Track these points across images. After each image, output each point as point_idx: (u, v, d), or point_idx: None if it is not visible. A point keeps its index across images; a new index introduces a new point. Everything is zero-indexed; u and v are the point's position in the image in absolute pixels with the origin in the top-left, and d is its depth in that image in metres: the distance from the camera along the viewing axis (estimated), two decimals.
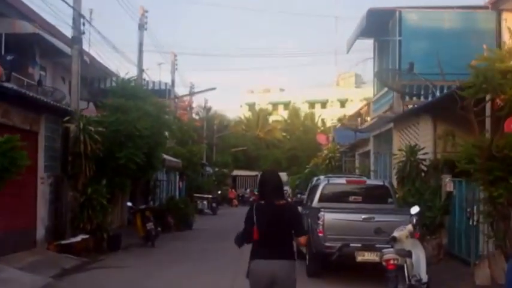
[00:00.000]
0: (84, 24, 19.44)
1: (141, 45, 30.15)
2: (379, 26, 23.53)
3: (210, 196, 44.56)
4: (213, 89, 46.75)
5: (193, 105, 55.14)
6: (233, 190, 60.79)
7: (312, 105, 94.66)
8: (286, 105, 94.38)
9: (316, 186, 16.57)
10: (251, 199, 48.91)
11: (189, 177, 41.11)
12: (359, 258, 13.57)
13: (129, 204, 23.64)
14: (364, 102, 46.30)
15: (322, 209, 14.06)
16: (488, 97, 12.20)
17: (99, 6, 26.62)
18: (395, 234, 10.76)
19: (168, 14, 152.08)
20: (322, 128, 68.68)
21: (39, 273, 13.83)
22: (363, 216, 13.69)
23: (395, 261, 10.26)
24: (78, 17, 19.10)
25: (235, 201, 57.05)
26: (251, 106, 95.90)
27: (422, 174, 18.16)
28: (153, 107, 21.93)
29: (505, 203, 11.37)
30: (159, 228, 22.40)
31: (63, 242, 17.09)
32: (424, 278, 10.37)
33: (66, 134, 18.40)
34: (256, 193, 37.82)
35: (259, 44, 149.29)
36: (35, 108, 16.51)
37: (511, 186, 11.09)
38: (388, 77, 22.78)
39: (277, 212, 6.76)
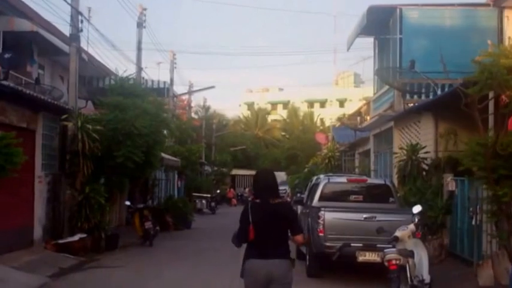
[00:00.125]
0: (82, 22, 19.26)
1: (139, 43, 30.08)
2: (379, 24, 23.40)
3: (209, 195, 44.43)
4: (212, 87, 46.62)
5: (192, 104, 55.09)
6: (232, 189, 60.65)
7: (310, 104, 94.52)
8: (285, 104, 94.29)
9: (316, 185, 16.39)
10: (250, 198, 48.77)
11: (188, 177, 41.04)
12: (360, 259, 13.40)
13: (128, 203, 23.50)
14: (363, 101, 46.20)
15: (323, 208, 13.88)
16: (491, 95, 12.05)
17: (97, 5, 26.50)
18: (397, 233, 10.65)
19: (167, 12, 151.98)
20: (321, 128, 68.53)
21: (36, 272, 13.70)
22: (364, 216, 13.51)
23: (398, 262, 10.16)
24: (76, 15, 18.93)
25: (234, 201, 56.95)
26: (250, 105, 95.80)
27: (424, 173, 18.02)
28: (152, 105, 21.76)
29: (510, 202, 11.19)
30: (158, 228, 22.29)
31: (60, 241, 16.97)
32: (427, 278, 10.25)
33: (64, 133, 18.25)
34: None
35: (257, 43, 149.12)
36: (32, 106, 16.37)
37: None
38: (389, 75, 22.61)
39: (273, 211, 6.72)
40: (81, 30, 19.25)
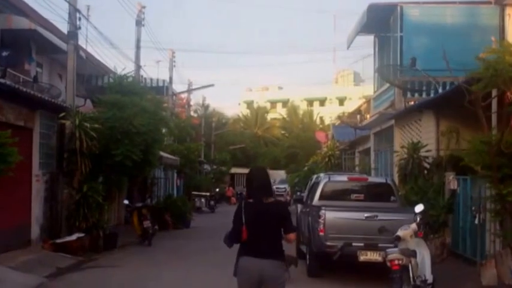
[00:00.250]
0: (80, 19, 19.18)
1: (138, 41, 29.98)
2: (380, 22, 23.26)
3: (208, 194, 44.36)
4: (211, 85, 46.31)
5: (192, 102, 54.99)
6: (231, 188, 60.52)
7: (310, 103, 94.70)
8: (285, 103, 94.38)
9: (316, 184, 16.24)
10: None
11: (187, 175, 40.93)
12: (361, 258, 13.25)
13: (126, 202, 23.39)
14: (363, 100, 46.11)
15: (324, 207, 13.72)
16: (494, 93, 11.89)
17: (96, 3, 26.41)
18: (400, 233, 10.54)
19: (166, 11, 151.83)
20: (320, 126, 68.51)
21: (33, 272, 13.56)
22: (366, 215, 13.36)
23: (400, 262, 10.03)
24: (73, 12, 18.83)
25: (234, 199, 56.80)
26: (249, 104, 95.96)
27: (425, 171, 17.89)
28: (150, 103, 21.64)
29: None
30: (156, 227, 22.17)
31: (58, 240, 16.83)
32: (429, 278, 10.14)
33: (62, 131, 18.14)
34: None
35: (257, 41, 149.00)
36: (29, 104, 16.24)
37: None
38: (390, 73, 22.46)
39: (266, 211, 6.67)
40: (79, 28, 19.19)
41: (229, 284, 7.03)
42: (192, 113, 55.42)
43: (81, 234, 17.32)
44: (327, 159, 35.37)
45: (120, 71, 24.78)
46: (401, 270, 9.98)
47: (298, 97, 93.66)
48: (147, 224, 20.91)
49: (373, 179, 17.56)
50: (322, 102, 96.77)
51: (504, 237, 11.68)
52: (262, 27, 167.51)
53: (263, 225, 6.61)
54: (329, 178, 15.87)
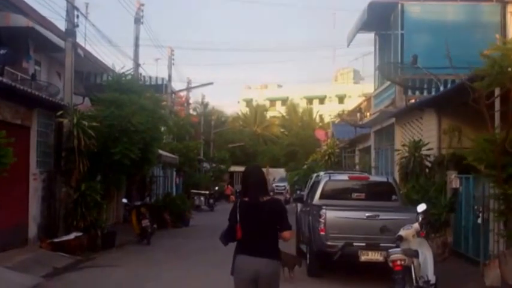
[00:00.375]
0: (78, 17, 19.07)
1: (137, 39, 29.82)
2: (380, 19, 23.13)
3: (207, 192, 44.27)
4: (210, 83, 46.34)
5: (191, 101, 54.92)
6: (229, 186, 60.39)
7: (309, 101, 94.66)
8: (284, 101, 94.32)
9: (317, 183, 16.11)
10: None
11: (186, 173, 40.87)
12: (363, 258, 13.10)
13: (125, 200, 23.28)
14: (363, 97, 45.97)
15: (324, 207, 13.56)
16: (497, 91, 11.73)
17: (95, 0, 26.26)
18: (402, 233, 10.40)
19: (164, 8, 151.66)
20: (320, 124, 68.43)
21: (30, 272, 13.43)
22: (367, 214, 13.20)
23: (403, 262, 9.87)
24: (71, 9, 18.72)
25: (233, 197, 56.64)
26: (248, 102, 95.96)
27: (427, 170, 17.77)
28: (149, 101, 21.50)
29: None
30: (155, 225, 22.04)
31: (55, 239, 16.70)
32: (432, 279, 10.00)
33: (60, 129, 18.03)
34: None
35: (256, 39, 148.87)
36: (26, 103, 16.11)
37: None
38: (391, 71, 22.32)
39: (261, 209, 6.65)
40: (77, 26, 19.10)
41: (229, 283, 6.95)
42: (191, 111, 55.36)
43: (79, 233, 17.17)
44: (326, 158, 35.31)
45: (118, 69, 24.68)
46: (404, 271, 9.83)
47: (297, 95, 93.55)
48: (145, 222, 20.78)
49: (374, 177, 17.41)
50: (321, 100, 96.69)
51: (508, 237, 11.52)
52: (261, 25, 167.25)
53: (258, 224, 6.61)
54: (330, 177, 15.73)
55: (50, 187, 17.58)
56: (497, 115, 12.43)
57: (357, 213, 13.46)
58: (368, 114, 29.01)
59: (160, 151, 26.48)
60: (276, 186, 61.38)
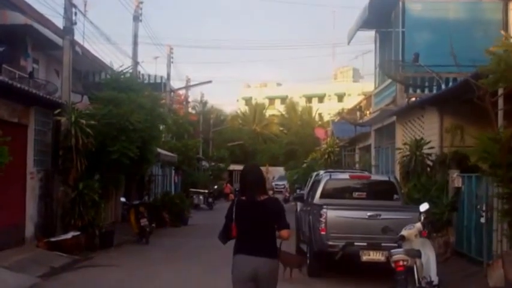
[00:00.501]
0: (76, 14, 18.92)
1: (136, 37, 29.68)
2: (381, 17, 23.00)
3: (206, 191, 44.17)
4: (209, 82, 46.32)
5: (190, 99, 54.82)
6: (228, 185, 60.30)
7: (309, 99, 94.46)
8: (283, 99, 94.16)
9: (317, 182, 15.99)
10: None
11: (185, 172, 40.79)
12: (364, 258, 12.96)
13: (123, 199, 23.14)
14: (362, 96, 45.84)
15: (325, 206, 13.40)
16: (500, 91, 11.56)
17: None
18: (404, 232, 10.28)
19: (163, 6, 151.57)
20: (319, 123, 68.29)
21: (27, 272, 13.32)
22: (369, 214, 13.06)
23: (405, 263, 9.72)
24: (69, 7, 18.58)
25: (232, 196, 56.56)
26: (248, 100, 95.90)
27: (428, 169, 17.61)
28: (147, 100, 21.36)
29: None
30: (154, 225, 21.92)
31: (53, 239, 16.57)
32: (435, 279, 9.91)
33: (57, 128, 17.89)
34: None
35: (256, 37, 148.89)
36: (24, 101, 15.99)
37: None
38: (392, 68, 22.18)
39: (258, 208, 6.64)
40: (75, 23, 18.98)
41: (229, 283, 6.83)
42: (190, 110, 55.25)
43: (77, 233, 17.05)
44: (326, 156, 35.15)
45: (116, 67, 24.57)
46: (406, 272, 9.68)
47: (296, 93, 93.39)
48: (144, 221, 20.68)
49: (375, 176, 17.28)
50: (321, 98, 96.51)
51: None
52: (260, 23, 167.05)
53: (256, 223, 6.60)
54: (330, 176, 15.59)
55: (47, 186, 17.44)
56: (500, 113, 12.28)
57: (358, 212, 13.31)
58: (368, 112, 28.90)
59: (159, 150, 26.40)
60: (276, 184, 61.31)
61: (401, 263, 9.69)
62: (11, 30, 18.79)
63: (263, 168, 7.68)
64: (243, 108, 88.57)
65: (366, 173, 18.49)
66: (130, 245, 19.94)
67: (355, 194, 15.00)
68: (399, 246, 10.17)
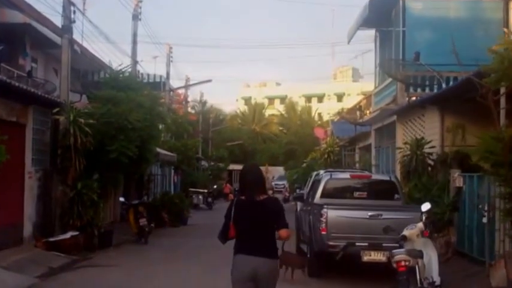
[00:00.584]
0: (74, 13, 18.81)
1: (135, 36, 29.56)
2: (381, 16, 22.94)
3: (206, 191, 44.07)
4: (209, 81, 46.02)
5: (189, 99, 54.78)
6: (228, 184, 60.24)
7: (308, 99, 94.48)
8: (283, 99, 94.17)
9: (317, 181, 15.89)
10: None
11: (184, 172, 40.72)
12: (365, 258, 12.85)
13: (122, 199, 23.04)
14: (362, 96, 45.76)
15: (326, 206, 13.29)
16: (502, 90, 11.46)
17: None
18: (405, 232, 10.20)
19: (162, 5, 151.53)
20: (319, 122, 68.26)
21: (25, 272, 13.23)
22: (370, 214, 12.95)
23: (407, 263, 9.62)
24: (68, 5, 18.50)
25: (231, 196, 56.46)
26: (247, 100, 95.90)
27: (429, 168, 17.53)
28: (146, 98, 21.25)
29: None
30: (153, 224, 21.81)
31: (51, 239, 16.48)
32: (437, 280, 9.80)
33: (56, 127, 17.78)
34: None
35: (255, 37, 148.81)
36: (22, 100, 15.89)
37: None
38: (392, 67, 22.09)
39: (258, 208, 6.61)
40: (74, 21, 18.88)
41: (228, 283, 6.77)
42: (189, 110, 55.20)
43: (75, 233, 16.95)
44: (326, 156, 35.07)
45: (115, 66, 24.48)
46: (408, 272, 9.58)
47: (296, 93, 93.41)
48: (143, 221, 20.59)
49: (376, 176, 17.20)
50: (320, 98, 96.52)
51: None
52: (260, 22, 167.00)
53: (255, 223, 6.57)
54: (331, 175, 15.49)
55: (45, 185, 17.33)
56: (502, 112, 12.19)
57: (359, 212, 13.21)
58: (368, 112, 28.80)
59: (158, 149, 26.30)
60: (275, 184, 61.27)
61: (403, 263, 9.60)
62: (9, 28, 18.73)
63: (263, 168, 7.65)
64: (243, 107, 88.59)
65: (367, 173, 18.40)
66: (129, 245, 19.84)
67: (356, 194, 14.91)
68: (401, 247, 10.09)
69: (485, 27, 20.40)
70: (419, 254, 9.74)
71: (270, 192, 26.99)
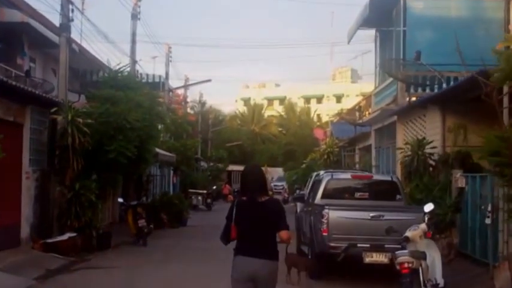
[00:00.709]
0: (73, 11, 18.68)
1: (134, 35, 29.43)
2: (382, 15, 22.87)
3: (205, 191, 43.96)
4: (208, 80, 45.85)
5: (188, 99, 54.66)
6: (227, 185, 60.16)
7: (307, 100, 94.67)
8: (282, 100, 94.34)
9: (318, 182, 15.76)
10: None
11: (184, 172, 40.66)
12: (367, 260, 12.72)
13: (121, 200, 22.93)
14: (361, 97, 45.70)
15: (327, 206, 13.15)
16: (505, 89, 11.31)
17: None
18: (408, 234, 10.12)
19: (161, 5, 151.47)
20: (318, 123, 68.27)
21: (22, 274, 13.06)
22: (371, 214, 12.81)
23: (410, 265, 9.52)
24: (66, 3, 18.34)
25: (231, 197, 56.38)
26: (246, 101, 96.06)
27: (431, 169, 17.40)
28: (145, 98, 21.10)
29: None
30: (152, 225, 21.66)
31: (49, 240, 16.29)
32: (441, 282, 9.73)
33: (53, 126, 17.65)
34: None
35: (254, 35, 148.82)
36: (19, 99, 15.76)
37: None
38: (393, 67, 21.97)
39: (259, 209, 6.57)
40: (72, 20, 18.75)
41: (228, 284, 6.65)
42: (188, 110, 55.11)
43: (73, 234, 16.77)
44: (325, 157, 34.98)
45: (114, 65, 24.32)
46: (412, 274, 9.49)
47: (295, 94, 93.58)
48: (142, 222, 20.43)
49: (377, 176, 17.09)
50: (319, 99, 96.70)
51: None
52: (259, 21, 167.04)
53: (256, 224, 6.53)
54: (332, 176, 15.35)
55: (43, 186, 17.19)
56: (505, 111, 12.05)
57: (360, 213, 13.07)
58: (367, 112, 28.70)
59: (157, 149, 26.19)
60: (274, 185, 61.15)
61: (406, 265, 9.52)
62: (7, 28, 18.64)
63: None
64: (242, 108, 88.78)
65: (368, 173, 18.26)
66: (128, 247, 19.70)
67: (357, 194, 14.79)
68: (403, 248, 10.00)
69: (486, 27, 20.37)
70: (422, 256, 9.65)
71: (270, 193, 26.88)
